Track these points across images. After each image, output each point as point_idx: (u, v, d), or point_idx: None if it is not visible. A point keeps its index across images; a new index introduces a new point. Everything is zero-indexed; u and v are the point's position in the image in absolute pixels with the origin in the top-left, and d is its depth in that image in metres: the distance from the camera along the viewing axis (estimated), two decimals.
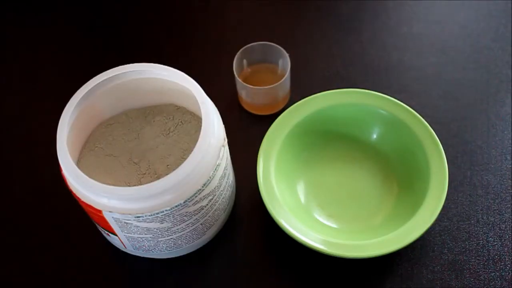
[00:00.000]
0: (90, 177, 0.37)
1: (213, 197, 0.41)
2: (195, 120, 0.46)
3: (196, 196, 0.38)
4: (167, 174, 0.37)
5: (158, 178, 0.41)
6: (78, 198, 0.37)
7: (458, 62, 0.67)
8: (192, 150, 0.37)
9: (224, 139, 0.41)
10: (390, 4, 0.73)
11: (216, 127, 0.40)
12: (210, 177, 0.38)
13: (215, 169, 0.38)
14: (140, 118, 0.45)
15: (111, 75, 0.42)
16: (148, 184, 0.35)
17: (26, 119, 0.64)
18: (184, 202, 0.37)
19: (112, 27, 0.73)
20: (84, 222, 0.52)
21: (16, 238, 0.55)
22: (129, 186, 0.41)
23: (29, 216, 0.56)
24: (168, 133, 0.44)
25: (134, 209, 0.36)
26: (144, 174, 0.42)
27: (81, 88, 0.41)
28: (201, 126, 0.38)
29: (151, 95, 0.45)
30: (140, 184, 0.41)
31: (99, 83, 0.42)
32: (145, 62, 0.43)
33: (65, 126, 0.39)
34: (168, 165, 0.42)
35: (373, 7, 0.73)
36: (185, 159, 0.40)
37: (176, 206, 0.37)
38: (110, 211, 0.36)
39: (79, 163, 0.43)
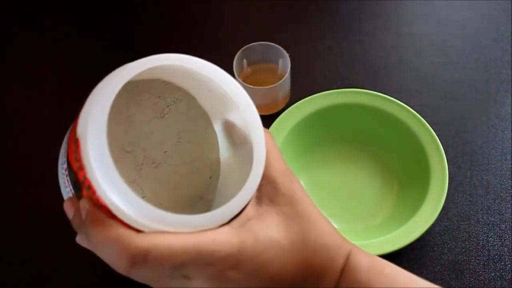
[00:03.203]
0: None
1: None
2: (186, 98, 0.39)
3: None
4: (165, 163, 0.34)
5: (157, 167, 0.38)
6: (119, 219, 0.29)
7: (458, 62, 0.67)
8: (187, 131, 0.34)
9: None
10: (390, 4, 0.73)
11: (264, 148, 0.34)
12: None
13: None
14: (123, 95, 0.38)
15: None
16: (207, 215, 0.30)
17: (26, 119, 0.64)
18: None
19: (112, 28, 0.73)
20: None
21: (16, 238, 0.55)
22: (131, 182, 0.39)
23: (29, 215, 0.56)
24: (163, 116, 0.39)
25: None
26: (142, 164, 0.38)
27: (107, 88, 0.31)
28: (193, 104, 0.34)
29: None
30: (140, 177, 0.38)
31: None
32: None
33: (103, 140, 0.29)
34: (165, 151, 0.38)
35: (373, 7, 0.73)
36: (181, 142, 0.36)
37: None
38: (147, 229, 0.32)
39: None
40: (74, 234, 0.55)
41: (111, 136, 0.37)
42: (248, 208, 0.32)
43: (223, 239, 0.29)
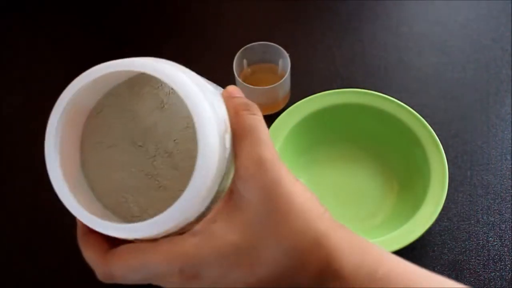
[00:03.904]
0: (101, 178, 0.35)
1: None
2: None
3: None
4: (178, 150, 0.35)
5: (170, 156, 0.38)
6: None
7: (458, 62, 0.67)
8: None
9: (224, 121, 0.33)
10: (390, 4, 0.73)
11: (210, 113, 0.31)
12: (224, 177, 0.33)
13: (227, 166, 0.32)
14: (128, 93, 0.40)
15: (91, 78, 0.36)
16: (167, 213, 0.30)
17: (26, 119, 0.64)
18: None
19: (113, 28, 0.73)
20: None
21: (16, 238, 0.55)
22: (145, 175, 0.39)
23: (29, 215, 0.56)
24: (163, 106, 0.39)
25: (160, 233, 0.32)
26: (155, 156, 0.38)
27: (56, 107, 0.35)
28: None
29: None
30: (154, 168, 0.39)
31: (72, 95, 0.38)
32: None
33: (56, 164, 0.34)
34: (175, 139, 0.38)
35: (373, 7, 0.73)
36: (190, 127, 0.36)
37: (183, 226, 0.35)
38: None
39: (84, 167, 0.40)
40: (74, 234, 0.55)
41: (123, 135, 0.39)
42: (220, 205, 0.30)
43: (176, 252, 0.29)
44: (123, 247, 0.30)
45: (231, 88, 0.34)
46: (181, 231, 0.31)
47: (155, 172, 0.38)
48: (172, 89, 0.39)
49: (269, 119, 0.57)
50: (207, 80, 0.38)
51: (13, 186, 0.59)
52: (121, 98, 0.40)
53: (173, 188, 0.35)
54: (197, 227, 0.30)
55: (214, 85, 0.39)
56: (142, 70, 0.33)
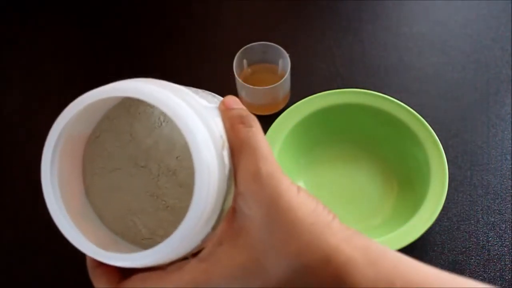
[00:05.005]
0: (107, 203, 0.34)
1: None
2: None
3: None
4: (181, 167, 0.34)
5: (174, 174, 0.37)
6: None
7: (458, 62, 0.67)
8: None
9: (221, 136, 0.31)
10: (390, 4, 0.73)
11: (204, 132, 0.30)
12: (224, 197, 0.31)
13: (228, 181, 0.31)
14: (124, 115, 0.39)
15: (80, 107, 0.34)
16: (169, 240, 0.29)
17: (26, 119, 0.64)
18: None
19: (113, 28, 0.73)
20: None
21: (16, 239, 0.55)
22: (150, 196, 0.38)
23: (29, 216, 0.56)
24: (161, 124, 0.38)
25: (166, 261, 0.31)
26: (158, 175, 0.37)
27: (49, 139, 0.35)
28: None
29: None
30: (159, 188, 0.38)
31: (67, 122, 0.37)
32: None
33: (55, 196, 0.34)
34: (177, 156, 0.37)
35: (373, 7, 0.73)
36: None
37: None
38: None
39: (88, 195, 0.38)
40: None
41: (123, 158, 0.38)
42: (224, 225, 0.29)
43: (186, 280, 0.28)
44: (133, 278, 0.30)
45: (227, 99, 0.33)
46: (189, 255, 0.30)
47: (160, 192, 0.37)
48: None
49: (269, 119, 0.57)
50: (205, 91, 0.36)
51: (13, 186, 0.59)
52: (118, 121, 0.39)
53: (180, 206, 0.34)
54: (205, 251, 0.29)
55: (212, 95, 0.37)
56: (131, 95, 0.31)
